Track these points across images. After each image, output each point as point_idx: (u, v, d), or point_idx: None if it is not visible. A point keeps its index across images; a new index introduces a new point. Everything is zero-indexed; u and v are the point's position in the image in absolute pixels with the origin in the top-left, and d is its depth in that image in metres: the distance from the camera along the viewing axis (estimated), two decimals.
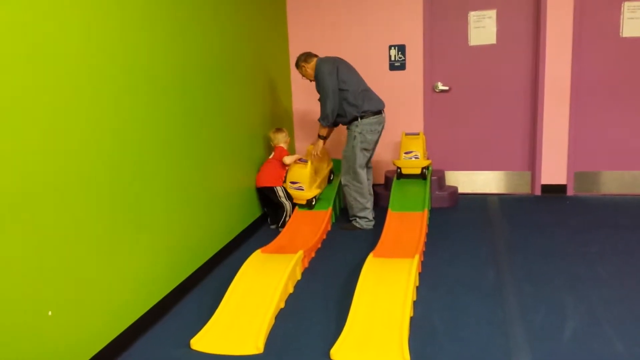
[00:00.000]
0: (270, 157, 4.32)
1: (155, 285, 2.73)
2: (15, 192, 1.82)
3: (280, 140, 4.31)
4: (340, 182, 4.44)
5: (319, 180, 4.39)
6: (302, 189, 4.21)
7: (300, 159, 4.34)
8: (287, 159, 4.24)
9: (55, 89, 2.01)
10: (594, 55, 4.58)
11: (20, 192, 1.85)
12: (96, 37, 2.26)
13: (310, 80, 4.06)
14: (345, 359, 2.24)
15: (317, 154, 4.22)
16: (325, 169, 4.61)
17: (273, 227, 4.24)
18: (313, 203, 4.20)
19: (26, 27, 1.88)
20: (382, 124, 3.96)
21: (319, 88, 3.89)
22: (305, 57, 3.98)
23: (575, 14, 4.48)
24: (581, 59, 4.59)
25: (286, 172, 4.30)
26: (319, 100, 3.93)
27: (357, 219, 4.08)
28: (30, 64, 1.89)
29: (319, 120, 3.98)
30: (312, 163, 4.26)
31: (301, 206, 4.22)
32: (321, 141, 4.17)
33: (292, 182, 4.25)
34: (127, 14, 2.49)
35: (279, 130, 4.37)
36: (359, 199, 4.01)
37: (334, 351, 2.26)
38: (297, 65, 4.03)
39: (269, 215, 4.33)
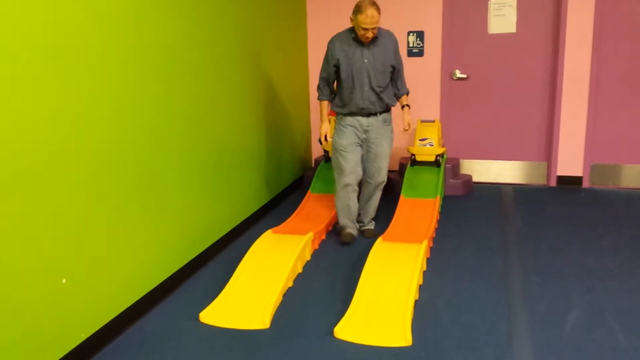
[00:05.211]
0: None
1: (167, 260, 2.81)
2: (34, 161, 1.90)
3: None
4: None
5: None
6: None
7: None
8: None
9: (77, 71, 2.08)
10: (614, 48, 4.50)
11: (39, 162, 1.92)
12: (109, 18, 2.32)
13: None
14: (348, 336, 2.29)
15: (409, 123, 3.52)
16: None
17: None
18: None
19: (39, 16, 1.94)
20: None
21: (398, 61, 3.41)
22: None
23: (596, 5, 4.40)
24: (601, 51, 4.51)
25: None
26: (394, 77, 3.45)
27: (373, 220, 3.76)
28: (45, 50, 1.96)
29: (405, 93, 3.55)
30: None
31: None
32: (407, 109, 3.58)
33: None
34: None
35: None
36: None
37: (337, 329, 2.32)
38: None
39: None
